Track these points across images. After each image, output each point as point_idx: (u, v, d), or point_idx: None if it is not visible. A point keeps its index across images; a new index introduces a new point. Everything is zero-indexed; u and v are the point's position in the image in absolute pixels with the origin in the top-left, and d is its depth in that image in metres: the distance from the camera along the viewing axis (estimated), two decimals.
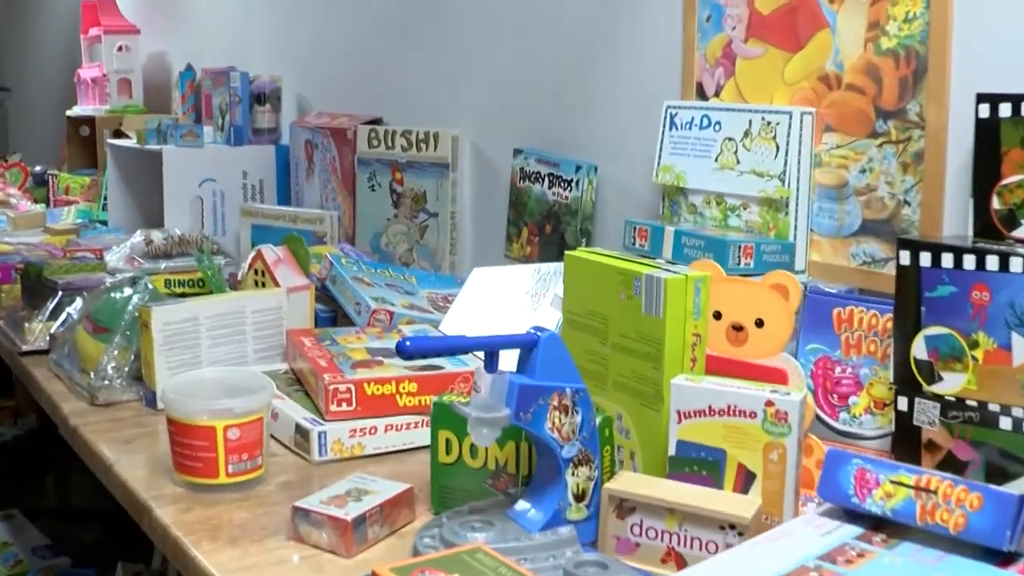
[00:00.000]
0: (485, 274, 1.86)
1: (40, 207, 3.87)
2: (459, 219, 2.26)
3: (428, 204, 2.28)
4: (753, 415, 1.08)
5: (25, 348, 1.95)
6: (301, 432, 1.39)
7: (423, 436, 1.41)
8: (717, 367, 1.23)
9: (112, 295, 1.78)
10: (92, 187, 3.62)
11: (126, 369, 1.67)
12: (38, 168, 4.24)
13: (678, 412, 1.12)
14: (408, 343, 0.98)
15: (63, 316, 1.93)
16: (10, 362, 2.05)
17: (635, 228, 1.53)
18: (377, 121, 2.53)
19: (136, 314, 1.67)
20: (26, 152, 5.85)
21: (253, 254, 1.96)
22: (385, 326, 1.80)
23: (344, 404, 1.40)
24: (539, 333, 1.03)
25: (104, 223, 3.24)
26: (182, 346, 1.60)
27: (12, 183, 4.44)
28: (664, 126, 1.66)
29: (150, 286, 1.80)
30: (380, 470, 1.32)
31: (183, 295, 2.24)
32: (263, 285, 1.90)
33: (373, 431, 1.40)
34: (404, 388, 1.42)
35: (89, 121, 4.08)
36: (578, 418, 1.05)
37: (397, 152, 2.33)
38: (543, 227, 1.96)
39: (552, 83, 2.01)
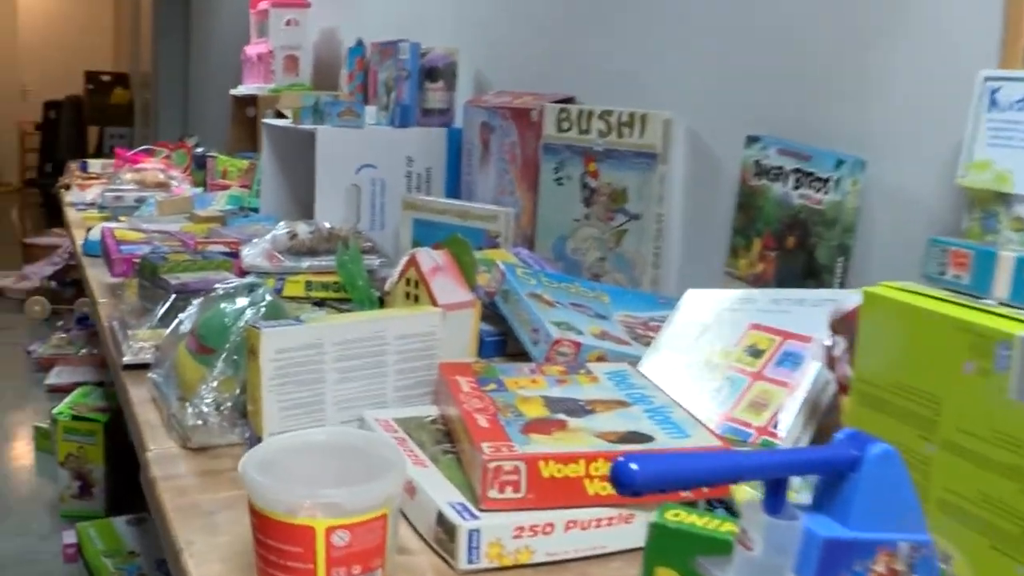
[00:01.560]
0: (702, 298, 1.41)
1: (196, 191, 3.61)
2: (667, 223, 1.81)
3: (628, 203, 1.83)
4: None
5: (126, 360, 1.60)
6: (445, 526, 0.97)
7: (621, 537, 0.97)
8: None
9: (222, 306, 1.40)
10: (249, 171, 3.31)
11: (229, 404, 1.28)
12: (199, 149, 3.98)
13: None
14: (635, 470, 0.54)
15: (173, 324, 1.57)
16: (113, 374, 1.70)
17: (946, 250, 1.05)
18: (568, 100, 2.10)
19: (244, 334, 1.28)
20: (201, 135, 5.66)
21: (406, 259, 1.56)
22: (570, 363, 1.37)
23: (509, 489, 0.97)
24: (859, 447, 0.57)
25: (255, 211, 2.90)
26: (299, 380, 1.20)
27: (177, 164, 4.21)
28: (979, 106, 1.18)
29: (269, 296, 1.41)
30: None
31: (323, 302, 1.86)
32: (415, 299, 1.50)
33: (549, 529, 0.96)
34: (597, 469, 0.99)
35: (254, 101, 3.79)
36: None
37: (593, 138, 1.90)
38: (783, 239, 1.49)
39: (801, 49, 1.54)
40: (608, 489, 0.98)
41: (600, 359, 1.41)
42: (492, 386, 1.19)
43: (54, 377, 4.56)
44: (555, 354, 1.40)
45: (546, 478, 0.97)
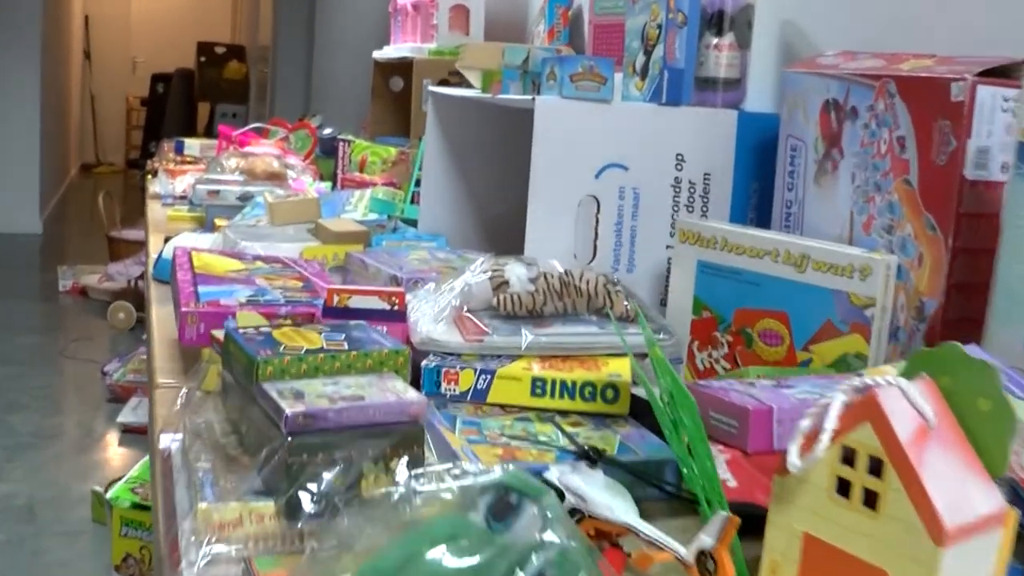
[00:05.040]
0: None
1: (322, 186, 2.78)
2: None
3: None
4: None
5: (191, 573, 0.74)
6: None
7: None
8: None
9: (428, 556, 0.51)
10: (400, 164, 2.44)
11: None
12: (327, 131, 3.14)
13: None
14: None
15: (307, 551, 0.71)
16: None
17: None
18: (1012, 70, 1.18)
19: None
20: (327, 115, 4.82)
21: (843, 401, 0.66)
22: None
23: None
24: None
25: (411, 223, 2.04)
26: None
27: (297, 150, 3.39)
28: None
29: (557, 537, 0.52)
30: None
31: (579, 417, 0.99)
32: (867, 500, 0.60)
33: None
34: None
35: (403, 67, 2.94)
36: None
37: None
38: None
39: None
40: None
41: None
42: None
43: (129, 413, 3.77)
44: None
45: None
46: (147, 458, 2.62)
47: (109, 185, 10.55)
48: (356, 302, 1.17)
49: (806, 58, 1.48)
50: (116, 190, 10.13)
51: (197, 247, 1.64)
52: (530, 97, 1.45)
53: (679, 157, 1.54)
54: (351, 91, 5.09)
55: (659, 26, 1.55)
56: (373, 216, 2.07)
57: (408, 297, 1.25)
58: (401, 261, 1.56)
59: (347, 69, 5.37)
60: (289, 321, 1.13)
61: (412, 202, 2.08)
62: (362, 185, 2.44)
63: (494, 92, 1.60)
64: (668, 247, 1.54)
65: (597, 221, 1.49)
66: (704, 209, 1.56)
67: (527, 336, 1.15)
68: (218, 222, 2.35)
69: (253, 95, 10.11)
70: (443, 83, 2.66)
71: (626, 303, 1.24)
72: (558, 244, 1.47)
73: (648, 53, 1.59)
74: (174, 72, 11.00)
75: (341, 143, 2.71)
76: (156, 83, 11.18)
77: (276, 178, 2.84)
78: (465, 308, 1.20)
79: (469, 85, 2.68)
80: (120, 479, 2.51)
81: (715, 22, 1.58)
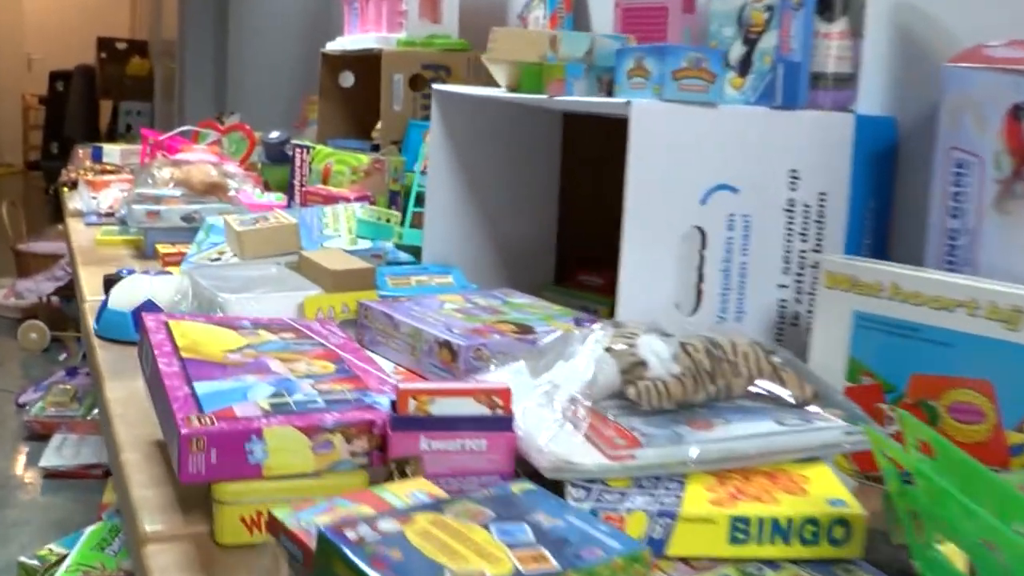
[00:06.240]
0: None
1: (273, 197, 2.42)
2: None
3: None
4: None
5: None
6: None
7: None
8: None
9: None
10: (374, 174, 2.07)
11: None
12: (274, 134, 2.75)
13: None
14: None
15: None
16: None
17: None
18: None
19: None
20: (247, 112, 4.39)
21: None
22: None
23: None
24: None
25: (410, 251, 1.68)
26: None
27: (231, 155, 3.00)
28: None
29: None
30: None
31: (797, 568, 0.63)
32: None
33: None
34: None
35: (356, 61, 2.57)
36: None
37: None
38: None
39: None
40: None
41: None
42: None
43: (54, 455, 3.31)
44: None
45: None
46: (91, 530, 2.19)
47: (8, 187, 9.95)
48: (442, 407, 0.82)
49: (965, 49, 1.14)
50: (17, 193, 9.54)
51: (168, 311, 1.26)
52: (624, 100, 1.09)
53: (793, 174, 1.20)
54: (274, 87, 4.67)
55: (768, 8, 1.21)
56: (365, 244, 1.69)
57: (493, 372, 0.89)
58: (439, 314, 1.20)
59: (268, 62, 4.95)
60: (411, 502, 0.76)
61: (411, 225, 1.71)
62: (330, 200, 2.06)
63: (553, 92, 1.25)
64: (781, 286, 1.21)
65: (702, 259, 1.15)
66: (819, 238, 1.23)
67: (692, 444, 0.80)
68: (160, 248, 1.96)
69: (158, 92, 9.58)
70: (416, 79, 2.30)
71: (806, 384, 0.90)
72: (658, 291, 1.12)
73: (750, 42, 1.24)
74: (74, 69, 10.40)
75: (298, 149, 2.32)
76: (55, 81, 10.56)
77: (216, 190, 2.45)
78: (591, 403, 0.85)
79: (445, 80, 2.34)
80: (59, 561, 2.09)
81: (824, 5, 1.24)
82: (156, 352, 0.96)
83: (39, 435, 3.55)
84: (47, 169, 9.53)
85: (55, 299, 4.79)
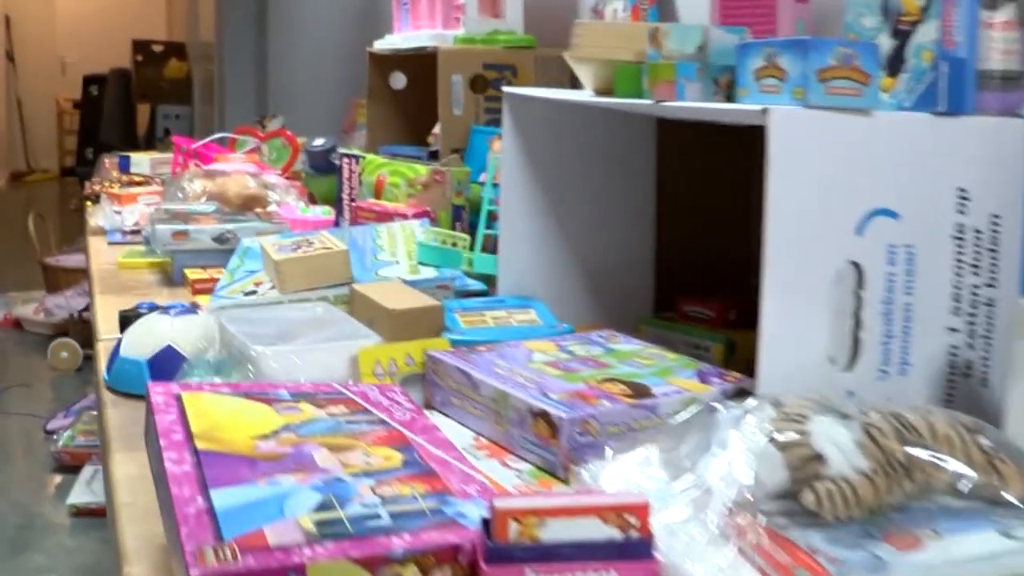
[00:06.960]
0: None
1: (319, 212, 2.22)
2: None
3: None
4: None
5: None
6: None
7: None
8: None
9: None
10: (433, 187, 1.86)
11: None
12: (318, 141, 2.55)
13: None
14: None
15: None
16: None
17: None
18: None
19: None
20: (290, 116, 4.20)
21: None
22: None
23: None
24: None
25: (480, 279, 1.47)
26: None
27: (272, 163, 2.81)
28: None
29: None
30: None
31: None
32: None
33: None
34: None
35: (407, 61, 2.37)
36: None
37: None
38: None
39: None
40: None
41: None
42: None
43: (84, 491, 3.11)
44: None
45: None
46: None
47: (44, 194, 9.87)
48: (556, 531, 0.60)
49: None
50: (52, 200, 9.45)
51: (191, 360, 1.05)
52: (759, 108, 0.87)
53: (962, 193, 0.98)
54: (318, 90, 4.49)
55: None
56: (428, 273, 1.48)
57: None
58: (529, 370, 0.99)
59: (311, 63, 4.77)
60: None
61: (483, 250, 1.50)
62: (384, 216, 1.85)
63: (660, 96, 1.03)
64: (951, 330, 0.99)
65: (859, 301, 0.93)
66: (993, 270, 1.01)
67: (900, 574, 0.58)
68: (190, 274, 1.76)
69: (197, 95, 9.45)
70: (477, 80, 2.10)
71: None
72: (808, 343, 0.91)
73: (902, 34, 1.02)
74: (108, 72, 10.31)
75: (346, 160, 2.12)
76: (89, 85, 10.49)
77: (254, 203, 2.26)
78: (756, 516, 0.64)
79: (511, 81, 2.14)
80: None
81: None
82: (162, 443, 0.75)
83: (68, 466, 3.36)
84: (82, 175, 9.45)
85: (87, 315, 4.62)
